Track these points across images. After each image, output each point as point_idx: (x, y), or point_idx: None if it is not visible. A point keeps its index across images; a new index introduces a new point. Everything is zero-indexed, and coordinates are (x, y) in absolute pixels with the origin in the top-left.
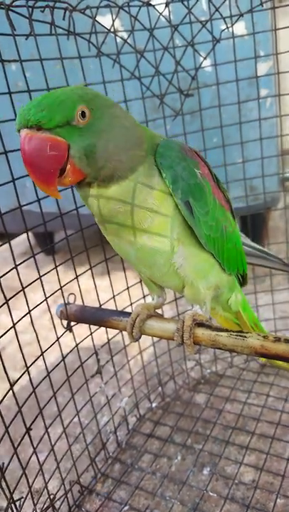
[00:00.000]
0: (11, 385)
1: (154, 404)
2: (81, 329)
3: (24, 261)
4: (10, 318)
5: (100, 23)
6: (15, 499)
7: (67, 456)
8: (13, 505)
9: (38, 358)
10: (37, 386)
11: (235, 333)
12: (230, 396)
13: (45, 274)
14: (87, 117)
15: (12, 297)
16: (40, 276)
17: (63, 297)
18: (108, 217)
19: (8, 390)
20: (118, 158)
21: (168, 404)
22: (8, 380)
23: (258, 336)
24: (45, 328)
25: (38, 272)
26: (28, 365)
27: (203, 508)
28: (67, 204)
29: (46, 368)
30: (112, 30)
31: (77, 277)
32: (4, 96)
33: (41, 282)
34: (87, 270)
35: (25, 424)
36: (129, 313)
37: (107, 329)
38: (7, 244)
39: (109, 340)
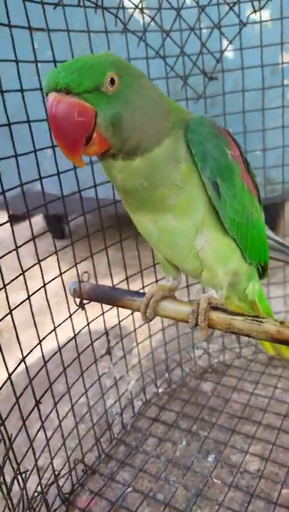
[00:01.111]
0: (23, 358)
1: (160, 390)
2: (91, 311)
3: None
4: (19, 297)
5: None
6: (21, 471)
7: (73, 435)
8: (19, 476)
9: (51, 332)
10: (48, 360)
11: (250, 318)
12: (238, 386)
13: (59, 250)
14: (116, 85)
15: (27, 269)
16: (57, 251)
17: (78, 275)
18: (132, 192)
19: (20, 363)
20: (144, 128)
21: (174, 390)
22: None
23: (274, 321)
24: (54, 310)
25: (55, 247)
26: (40, 340)
27: (206, 494)
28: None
29: (59, 345)
30: (139, 6)
31: (92, 255)
32: (30, 65)
33: (58, 260)
34: (101, 250)
35: (35, 398)
36: (144, 294)
37: (118, 312)
38: (21, 226)
39: (120, 321)
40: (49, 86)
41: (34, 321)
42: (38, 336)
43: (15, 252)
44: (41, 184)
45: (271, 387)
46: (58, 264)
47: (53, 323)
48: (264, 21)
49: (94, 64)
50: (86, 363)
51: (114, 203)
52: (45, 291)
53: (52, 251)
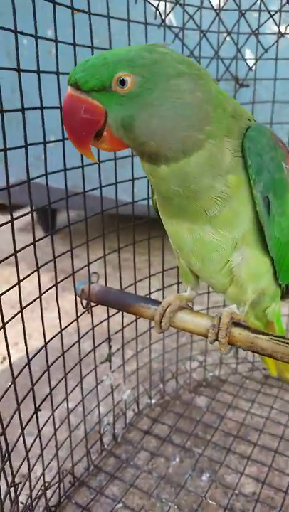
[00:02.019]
0: (29, 358)
1: (153, 401)
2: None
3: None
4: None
5: None
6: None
7: (59, 444)
8: (12, 488)
9: (56, 334)
10: (51, 365)
11: (276, 338)
12: (233, 403)
13: (74, 248)
14: (130, 85)
15: (41, 266)
16: (72, 248)
17: (89, 276)
18: (168, 198)
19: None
20: (163, 137)
21: (167, 402)
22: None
23: None
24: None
25: (71, 245)
26: (47, 341)
27: None
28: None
29: (62, 349)
30: (180, 2)
31: (104, 256)
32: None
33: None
34: (112, 252)
35: (35, 405)
36: (159, 302)
37: (123, 318)
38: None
39: (123, 327)
40: (68, 79)
41: (43, 323)
42: (45, 338)
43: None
44: (46, 179)
45: (267, 407)
46: (72, 264)
47: (60, 325)
48: None
49: (106, 62)
50: (77, 367)
51: (131, 203)
52: (56, 290)
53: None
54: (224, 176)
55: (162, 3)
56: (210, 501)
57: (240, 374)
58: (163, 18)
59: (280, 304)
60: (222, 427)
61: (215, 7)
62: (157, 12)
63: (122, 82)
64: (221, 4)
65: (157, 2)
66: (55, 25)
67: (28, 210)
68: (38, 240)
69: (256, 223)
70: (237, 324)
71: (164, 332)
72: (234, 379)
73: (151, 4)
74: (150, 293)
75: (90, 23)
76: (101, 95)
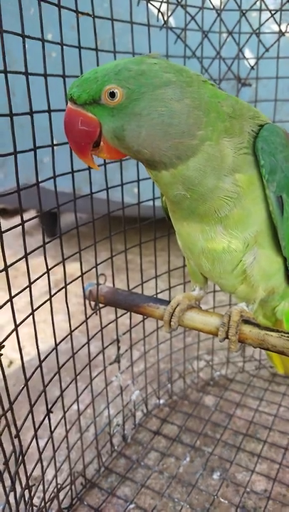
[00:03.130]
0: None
1: (161, 401)
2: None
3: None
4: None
5: None
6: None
7: (69, 446)
8: (27, 490)
9: (66, 337)
10: (61, 367)
11: (287, 334)
12: (241, 402)
13: (82, 250)
14: (119, 98)
15: (50, 268)
16: (80, 250)
17: (97, 277)
18: (176, 202)
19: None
20: (155, 145)
21: (175, 402)
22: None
23: None
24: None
25: (79, 247)
26: (57, 343)
27: None
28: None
29: (72, 350)
30: (182, 3)
31: (112, 257)
32: (71, 55)
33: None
34: (121, 252)
35: (47, 407)
36: (168, 302)
37: (131, 319)
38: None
39: (131, 328)
40: (67, 93)
41: (54, 328)
42: (56, 340)
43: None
44: (54, 183)
45: (275, 405)
46: (81, 266)
47: (70, 326)
48: None
49: (96, 77)
50: (82, 368)
51: (137, 204)
52: (66, 292)
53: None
54: (231, 176)
55: (164, 5)
56: (222, 500)
57: (248, 372)
58: (165, 19)
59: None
60: (231, 426)
61: (216, 7)
62: (159, 14)
63: (112, 95)
64: (222, 5)
65: (159, 4)
66: (60, 29)
67: (31, 213)
68: (48, 243)
69: (269, 223)
70: (247, 322)
71: (171, 332)
72: (241, 377)
73: (154, 6)
74: (156, 293)
75: (95, 26)
76: (94, 108)
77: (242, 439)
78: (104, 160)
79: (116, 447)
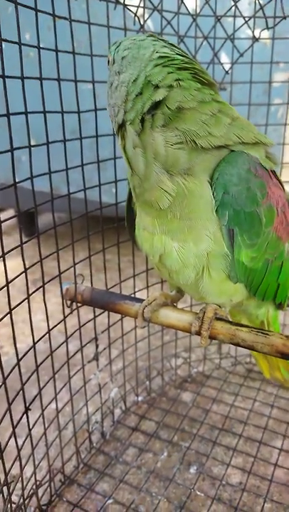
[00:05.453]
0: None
1: (139, 398)
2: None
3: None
4: None
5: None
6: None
7: (49, 444)
8: (5, 487)
9: (44, 336)
10: (39, 365)
11: (256, 330)
12: (217, 397)
13: (46, 256)
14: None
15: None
16: (58, 250)
17: (75, 277)
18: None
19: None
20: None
21: (153, 399)
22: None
23: (280, 335)
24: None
25: (57, 246)
26: (35, 342)
27: (190, 506)
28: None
29: (51, 348)
30: (158, 8)
31: (90, 256)
32: (49, 55)
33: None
34: (96, 253)
35: (25, 405)
36: (144, 300)
37: (109, 318)
38: None
39: (109, 326)
40: None
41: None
42: (34, 339)
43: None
44: (32, 183)
45: (250, 400)
46: (58, 265)
47: (48, 325)
48: (277, 38)
49: None
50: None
51: (115, 204)
52: (44, 291)
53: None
54: (178, 174)
55: (140, 9)
56: (198, 493)
57: (224, 369)
58: (141, 23)
59: (274, 307)
60: (207, 421)
61: (192, 13)
62: (136, 18)
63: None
64: (198, 10)
65: (136, 8)
66: (37, 33)
67: (9, 213)
68: (26, 242)
69: (223, 248)
70: (220, 319)
71: (148, 326)
72: (218, 374)
73: (130, 10)
74: (134, 292)
75: (72, 30)
76: None
77: (218, 434)
78: (82, 160)
79: (95, 444)
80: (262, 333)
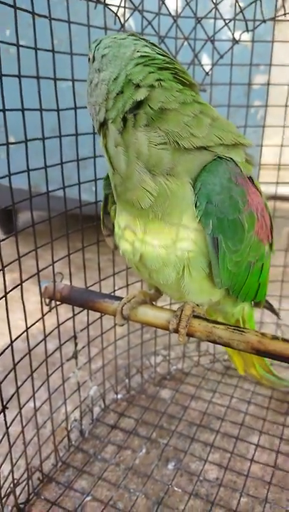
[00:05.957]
0: None
1: (119, 396)
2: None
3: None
4: None
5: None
6: None
7: (27, 443)
8: None
9: (22, 334)
10: (17, 363)
11: (232, 327)
12: (196, 394)
13: (39, 248)
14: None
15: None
16: (36, 248)
17: (54, 275)
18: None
19: None
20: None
21: (133, 397)
22: None
23: (255, 332)
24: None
25: (35, 244)
26: (13, 340)
27: (167, 502)
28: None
29: (29, 347)
30: (139, 8)
31: (69, 255)
32: (30, 51)
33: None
34: (76, 251)
35: (2, 403)
36: (122, 298)
37: (88, 316)
38: None
39: (88, 325)
40: None
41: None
42: (10, 337)
43: None
44: (9, 180)
45: (228, 397)
46: (37, 263)
47: (26, 324)
48: (256, 41)
49: None
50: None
51: (95, 203)
52: (22, 290)
53: None
54: (160, 174)
55: (121, 9)
56: (176, 488)
57: (203, 366)
58: (122, 22)
59: (250, 305)
60: (186, 417)
61: (172, 13)
62: (117, 17)
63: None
64: (179, 11)
65: (116, 7)
66: (16, 31)
67: None
68: (3, 240)
69: (205, 252)
70: (197, 317)
71: (127, 323)
72: (197, 371)
73: (111, 10)
74: (114, 291)
75: (51, 28)
76: None
77: (196, 430)
78: (62, 158)
79: (73, 442)
80: (238, 330)
